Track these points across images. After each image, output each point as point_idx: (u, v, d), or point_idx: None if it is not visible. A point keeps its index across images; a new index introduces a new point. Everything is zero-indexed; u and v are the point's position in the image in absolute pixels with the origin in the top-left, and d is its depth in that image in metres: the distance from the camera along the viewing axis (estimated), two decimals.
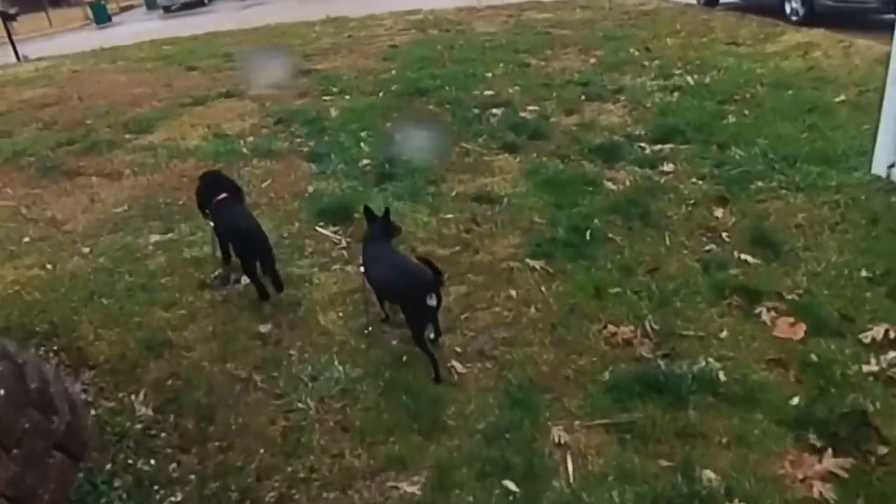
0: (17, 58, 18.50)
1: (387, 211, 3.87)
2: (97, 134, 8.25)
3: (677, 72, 8.80)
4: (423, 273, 3.44)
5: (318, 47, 13.54)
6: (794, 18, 11.92)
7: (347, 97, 8.74)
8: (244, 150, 7.00)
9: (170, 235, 5.19)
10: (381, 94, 8.69)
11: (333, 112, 8.05)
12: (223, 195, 4.38)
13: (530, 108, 7.62)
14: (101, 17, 26.65)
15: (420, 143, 6.46)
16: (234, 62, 12.58)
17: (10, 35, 18.78)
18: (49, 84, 12.68)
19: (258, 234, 4.21)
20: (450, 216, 5.09)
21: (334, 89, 9.28)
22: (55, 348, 3.88)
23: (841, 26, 10.83)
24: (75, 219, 5.70)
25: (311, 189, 5.79)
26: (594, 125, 6.90)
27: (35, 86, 12.72)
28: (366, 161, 6.28)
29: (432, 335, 3.71)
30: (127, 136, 8.09)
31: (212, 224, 4.40)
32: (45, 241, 5.41)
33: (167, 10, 26.64)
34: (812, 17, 11.45)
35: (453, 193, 5.50)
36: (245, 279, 4.40)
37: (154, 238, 5.15)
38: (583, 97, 7.91)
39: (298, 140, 7.18)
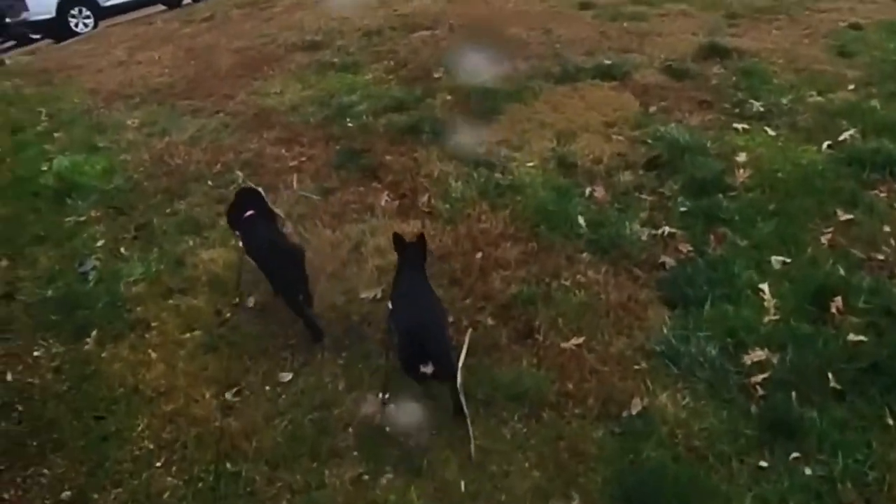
0: None
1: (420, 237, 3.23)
2: (431, 104, 6.12)
3: None
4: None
5: (750, 3, 9.38)
6: None
7: (771, 133, 5.14)
8: (580, 220, 4.20)
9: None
10: (825, 147, 4.91)
11: (740, 171, 4.59)
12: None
13: None
14: None
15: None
16: (633, 6, 9.25)
17: None
18: None
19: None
20: None
21: (755, 106, 5.54)
22: None
23: None
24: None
25: (636, 408, 2.89)
26: None
27: None
28: (754, 358, 3.05)
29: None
30: (459, 119, 5.77)
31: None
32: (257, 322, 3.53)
33: None
34: None
35: None
36: None
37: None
38: None
39: (664, 228, 4.07)
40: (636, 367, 3.09)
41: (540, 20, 8.66)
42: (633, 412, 2.85)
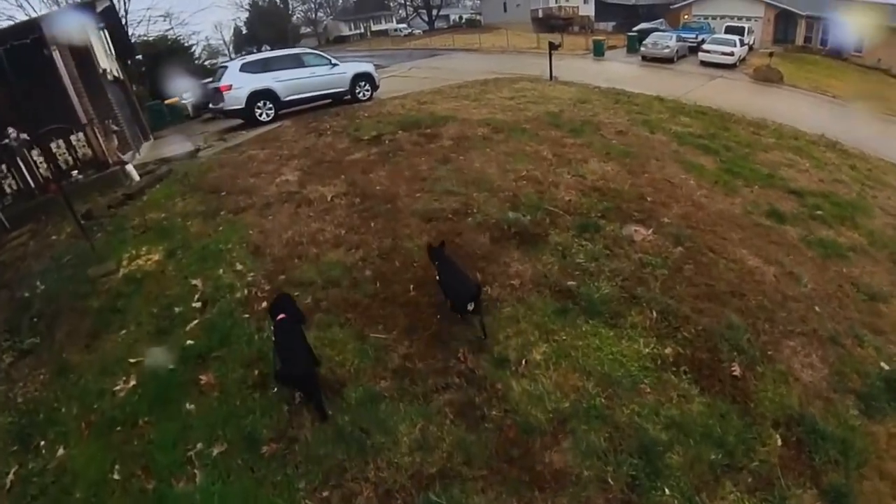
0: (551, 77, 12.99)
1: (442, 243, 3.62)
2: (768, 461, 2.46)
3: None
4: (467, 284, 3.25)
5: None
6: None
7: None
8: None
9: None
10: None
11: None
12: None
13: None
14: (599, 52, 19.93)
15: None
16: (812, 221, 5.45)
17: (550, 60, 12.95)
18: (588, 135, 6.99)
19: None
20: None
21: None
22: None
23: None
24: None
25: None
26: None
27: (582, 140, 7.14)
28: None
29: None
30: None
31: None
32: None
33: (644, 58, 18.55)
34: None
35: None
36: None
37: None
38: None
39: None
40: None
41: (756, 241, 4.86)
42: None
